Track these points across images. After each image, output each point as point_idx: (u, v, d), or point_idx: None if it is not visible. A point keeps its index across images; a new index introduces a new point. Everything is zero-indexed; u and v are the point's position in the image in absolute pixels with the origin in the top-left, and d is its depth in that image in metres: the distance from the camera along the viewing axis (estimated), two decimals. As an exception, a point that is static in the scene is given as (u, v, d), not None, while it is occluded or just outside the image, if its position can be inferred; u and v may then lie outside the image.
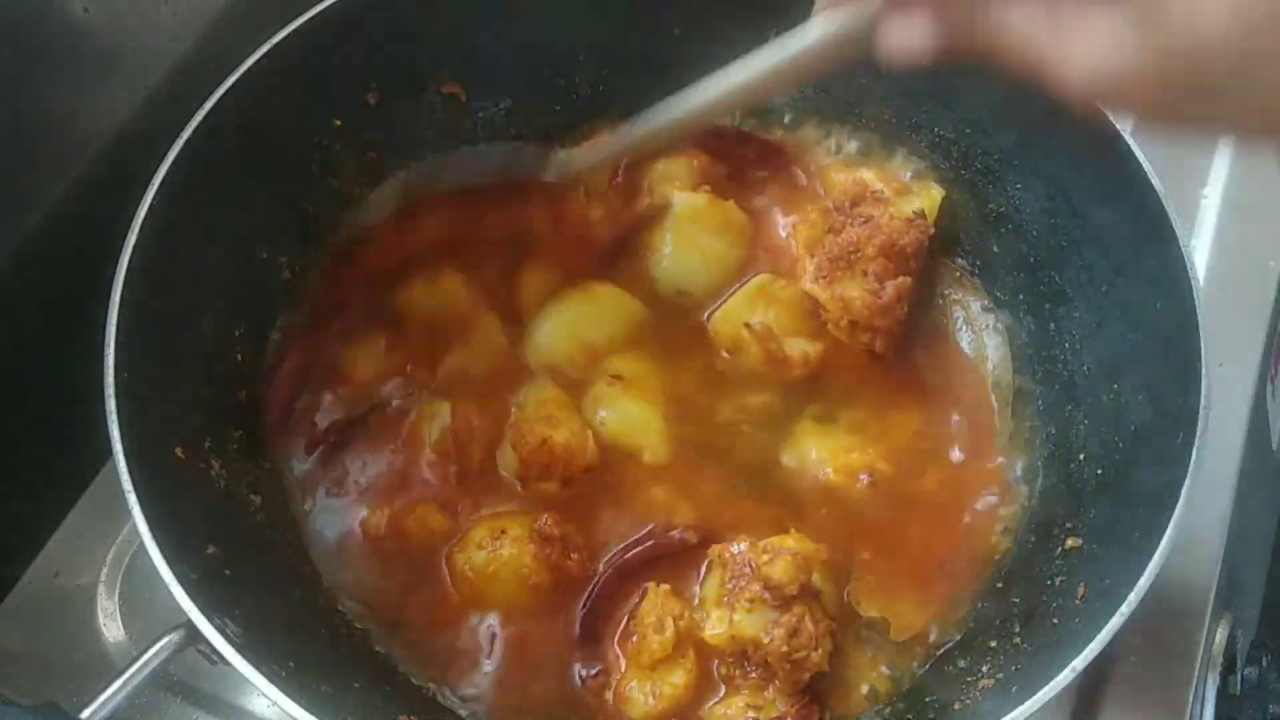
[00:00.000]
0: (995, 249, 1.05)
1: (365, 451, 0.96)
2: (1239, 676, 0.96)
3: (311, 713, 0.71)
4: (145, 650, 0.75)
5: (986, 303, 1.04)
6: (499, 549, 0.89)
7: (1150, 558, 0.75)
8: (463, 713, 0.88)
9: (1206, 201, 1.17)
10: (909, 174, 1.09)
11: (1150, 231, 0.87)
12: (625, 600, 0.89)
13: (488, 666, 0.89)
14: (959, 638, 0.90)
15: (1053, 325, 1.01)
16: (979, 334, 1.03)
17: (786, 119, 1.12)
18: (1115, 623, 0.73)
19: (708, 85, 0.83)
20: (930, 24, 0.64)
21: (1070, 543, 0.89)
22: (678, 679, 0.85)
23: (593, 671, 0.87)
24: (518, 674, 0.88)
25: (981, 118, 1.02)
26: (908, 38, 0.66)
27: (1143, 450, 0.87)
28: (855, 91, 1.10)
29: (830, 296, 0.96)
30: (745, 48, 0.81)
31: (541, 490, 0.93)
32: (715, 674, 0.87)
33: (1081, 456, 0.94)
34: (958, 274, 1.05)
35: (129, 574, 0.99)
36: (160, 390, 0.86)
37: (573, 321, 1.00)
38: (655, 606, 0.87)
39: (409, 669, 0.89)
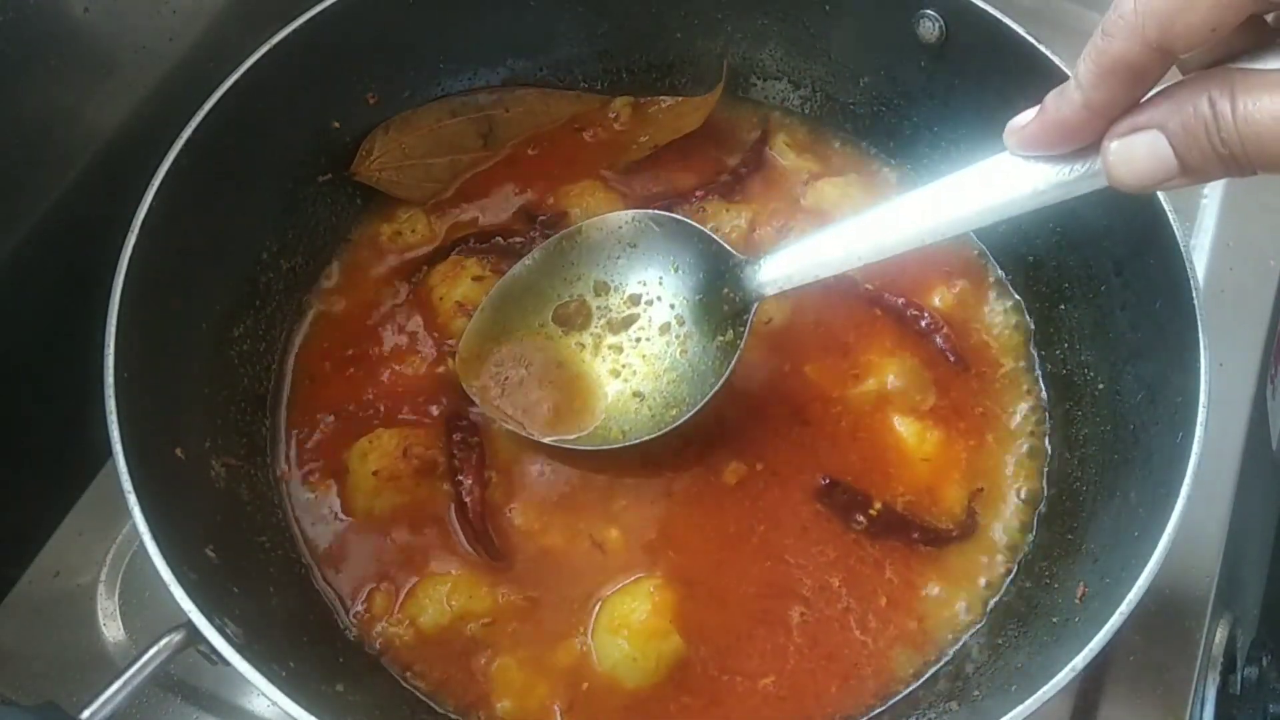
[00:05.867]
0: (995, 248, 1.06)
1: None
2: (1239, 676, 0.96)
3: (311, 713, 0.71)
4: (145, 650, 0.74)
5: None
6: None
7: (1150, 558, 0.75)
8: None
9: (1206, 201, 1.17)
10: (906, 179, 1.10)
11: (1150, 231, 0.87)
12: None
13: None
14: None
15: (1052, 324, 1.01)
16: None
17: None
18: (1115, 623, 0.73)
19: (892, 221, 0.80)
20: (1163, 139, 0.59)
21: (1070, 542, 0.90)
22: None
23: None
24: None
25: (982, 119, 1.02)
26: (1142, 163, 0.61)
27: (1143, 450, 0.87)
28: (848, 90, 1.10)
29: None
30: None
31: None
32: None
33: (1081, 455, 0.94)
34: (958, 274, 1.06)
35: (129, 574, 0.99)
36: (160, 390, 0.86)
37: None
38: None
39: (407, 669, 0.89)
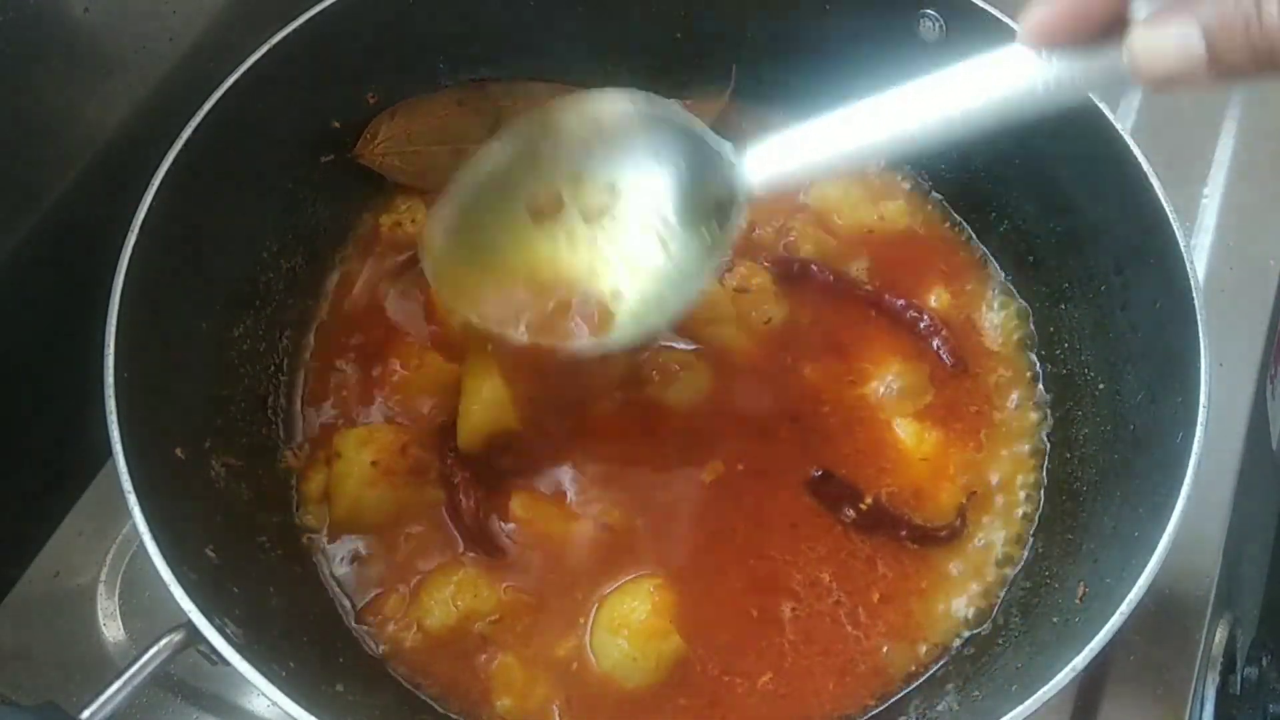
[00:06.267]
0: (995, 249, 1.06)
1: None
2: (1239, 676, 0.96)
3: (311, 713, 0.71)
4: (145, 650, 0.74)
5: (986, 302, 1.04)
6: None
7: (1150, 557, 0.75)
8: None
9: (1206, 201, 1.17)
10: (905, 178, 1.10)
11: (1150, 231, 0.87)
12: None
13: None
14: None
15: (1052, 324, 1.01)
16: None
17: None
18: (1115, 623, 0.73)
19: (887, 114, 0.74)
20: (1196, 29, 0.56)
21: (1070, 542, 0.90)
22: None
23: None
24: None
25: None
26: (1171, 53, 0.57)
27: (1143, 450, 0.87)
28: (849, 90, 1.10)
29: None
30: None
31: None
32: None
33: (1081, 455, 0.94)
34: (958, 274, 1.06)
35: (129, 574, 0.99)
36: (160, 390, 0.86)
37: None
38: None
39: (407, 670, 0.89)
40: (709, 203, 0.84)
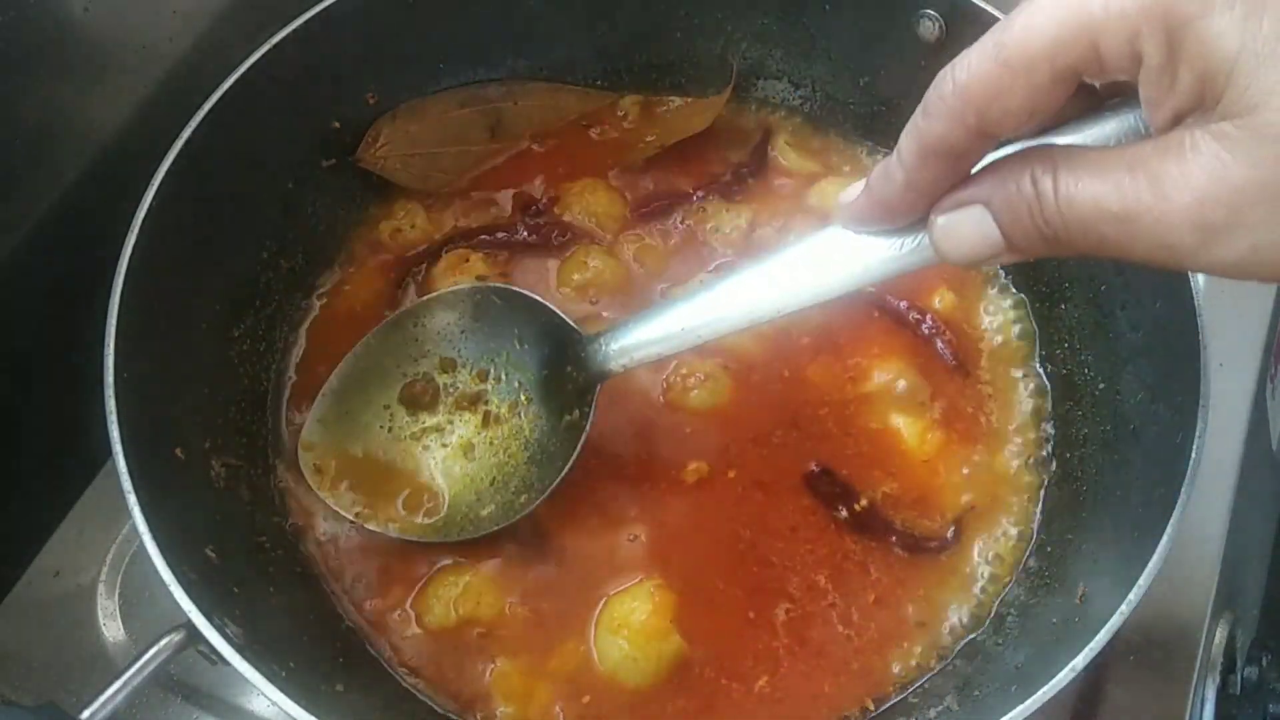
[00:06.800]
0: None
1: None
2: (1239, 676, 0.96)
3: (311, 713, 0.71)
4: (145, 650, 0.74)
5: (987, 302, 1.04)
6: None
7: (1150, 557, 0.75)
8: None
9: (1207, 201, 1.16)
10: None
11: (1150, 231, 0.87)
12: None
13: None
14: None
15: (1052, 324, 1.01)
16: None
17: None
18: (1115, 623, 0.73)
19: (737, 300, 0.78)
20: (988, 215, 0.58)
21: (1070, 542, 0.90)
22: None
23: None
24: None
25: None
26: (967, 239, 0.60)
27: (1143, 450, 0.87)
28: (849, 90, 1.11)
29: None
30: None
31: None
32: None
33: (1081, 455, 0.94)
34: (958, 274, 1.06)
35: (129, 574, 1.00)
36: (160, 390, 0.86)
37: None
38: None
39: (406, 670, 0.89)
40: (568, 386, 0.90)
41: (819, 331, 1.01)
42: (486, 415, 0.94)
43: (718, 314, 0.79)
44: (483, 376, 0.95)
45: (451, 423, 0.95)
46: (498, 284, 0.96)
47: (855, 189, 0.66)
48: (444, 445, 0.94)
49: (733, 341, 0.97)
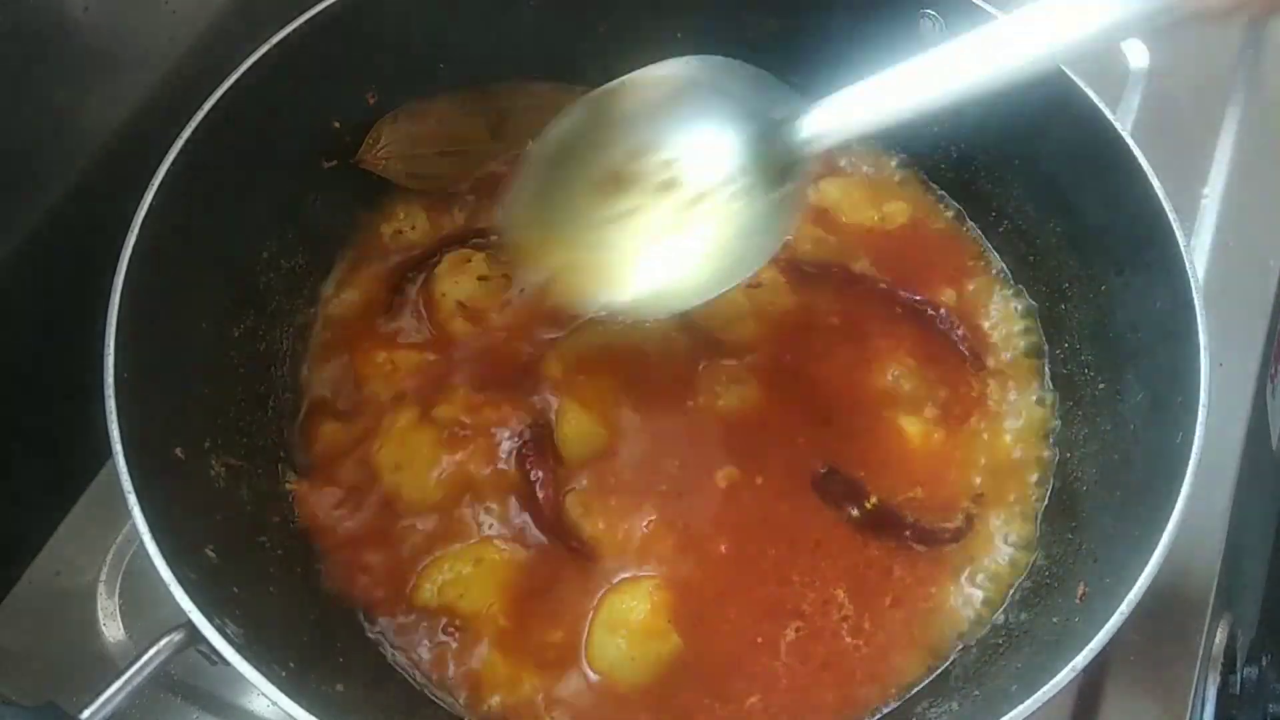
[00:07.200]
0: (995, 249, 1.06)
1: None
2: (1239, 676, 0.96)
3: (311, 713, 0.71)
4: (145, 650, 0.75)
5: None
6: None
7: (1150, 557, 0.75)
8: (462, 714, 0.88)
9: (1206, 201, 1.17)
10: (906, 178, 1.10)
11: (1150, 231, 0.87)
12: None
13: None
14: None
15: (1053, 324, 1.01)
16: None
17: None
18: (1115, 622, 0.73)
19: (947, 62, 0.75)
20: None
21: (1070, 542, 0.90)
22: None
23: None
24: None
25: (981, 118, 1.02)
26: None
27: (1143, 450, 0.87)
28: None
29: None
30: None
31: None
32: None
33: (1081, 455, 0.94)
34: (958, 274, 1.05)
35: (129, 574, 1.00)
36: (160, 390, 0.86)
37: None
38: None
39: (407, 669, 0.89)
40: (776, 163, 0.86)
41: (829, 325, 1.01)
42: (687, 197, 0.90)
43: (940, 76, 0.76)
44: (682, 159, 0.90)
45: (650, 205, 0.91)
46: (703, 57, 0.91)
47: None
48: (642, 230, 0.91)
49: (749, 331, 0.98)
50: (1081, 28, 0.68)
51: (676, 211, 0.90)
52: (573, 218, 0.92)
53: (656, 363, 0.99)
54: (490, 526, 0.92)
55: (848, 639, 0.88)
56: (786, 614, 0.89)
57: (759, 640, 0.88)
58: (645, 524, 0.92)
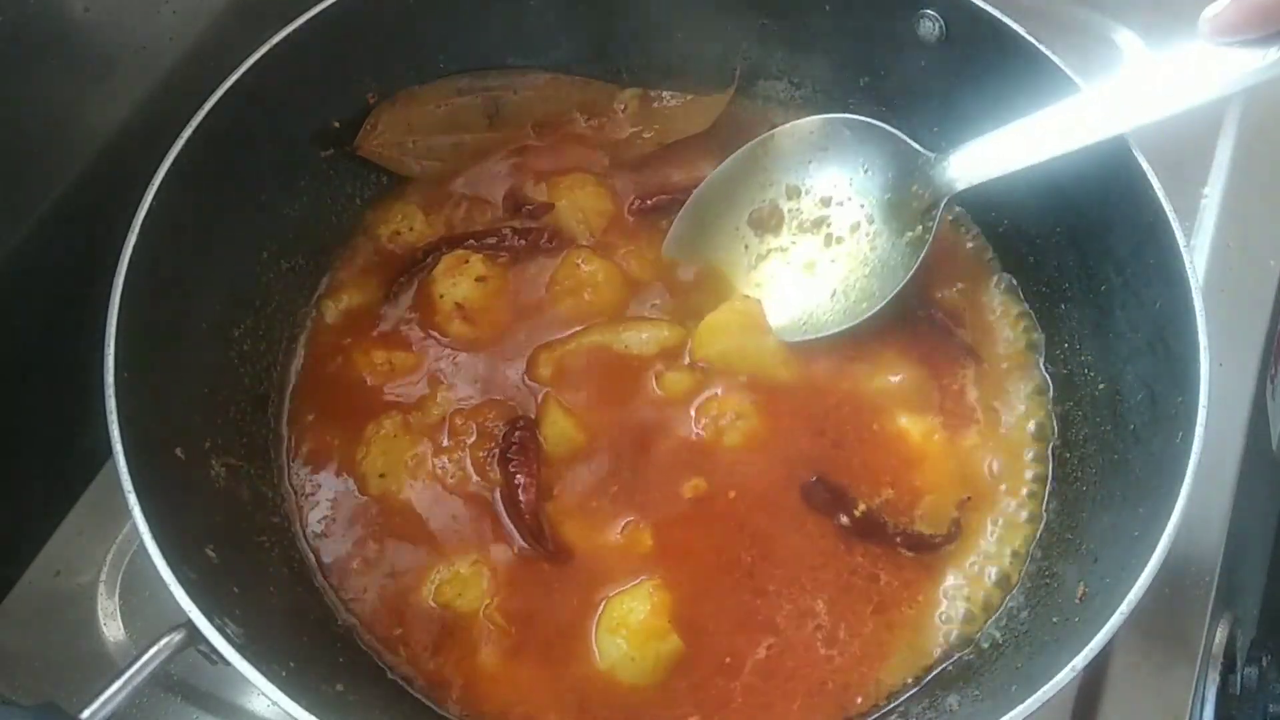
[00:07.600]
0: (995, 249, 1.06)
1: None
2: (1239, 676, 0.96)
3: (311, 713, 0.71)
4: (145, 650, 0.75)
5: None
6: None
7: (1150, 557, 0.75)
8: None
9: (1206, 201, 1.17)
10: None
11: (1150, 231, 0.87)
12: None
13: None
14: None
15: (1053, 324, 1.01)
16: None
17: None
18: (1115, 622, 0.73)
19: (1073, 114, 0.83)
20: None
21: (1070, 542, 0.90)
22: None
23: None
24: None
25: (982, 118, 1.02)
26: None
27: (1143, 450, 0.87)
28: (849, 90, 1.11)
29: None
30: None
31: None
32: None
33: (1081, 455, 0.94)
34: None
35: (129, 574, 1.00)
36: (160, 390, 0.86)
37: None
38: None
39: (405, 670, 0.89)
40: (912, 204, 0.97)
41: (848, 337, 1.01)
42: (829, 237, 1.02)
43: (1068, 127, 0.83)
44: (826, 202, 1.02)
45: (795, 244, 1.03)
46: (847, 115, 1.02)
47: (1220, 2, 0.66)
48: (787, 265, 1.02)
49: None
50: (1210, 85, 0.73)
51: (820, 250, 1.02)
52: (729, 254, 1.04)
53: (646, 368, 0.99)
54: (482, 528, 0.92)
55: (821, 650, 0.88)
56: (759, 626, 0.89)
57: (741, 643, 0.88)
58: (621, 528, 0.92)
